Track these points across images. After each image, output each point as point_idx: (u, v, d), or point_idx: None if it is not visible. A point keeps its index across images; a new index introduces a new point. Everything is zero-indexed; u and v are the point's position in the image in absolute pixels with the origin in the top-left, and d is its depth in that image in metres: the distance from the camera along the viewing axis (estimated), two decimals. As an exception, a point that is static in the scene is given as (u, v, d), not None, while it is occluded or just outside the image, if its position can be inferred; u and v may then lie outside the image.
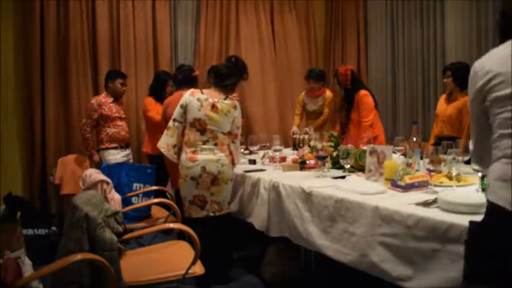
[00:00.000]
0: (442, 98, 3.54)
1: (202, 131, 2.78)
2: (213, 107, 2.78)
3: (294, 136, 3.93)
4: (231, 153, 2.86)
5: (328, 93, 4.35)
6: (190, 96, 2.81)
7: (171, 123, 2.86)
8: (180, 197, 2.90)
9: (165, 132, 2.87)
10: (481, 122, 1.40)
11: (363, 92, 3.76)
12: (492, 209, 1.27)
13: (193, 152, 2.78)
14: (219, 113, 2.78)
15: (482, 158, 1.44)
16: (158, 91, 3.97)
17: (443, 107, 3.46)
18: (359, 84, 3.86)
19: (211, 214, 2.81)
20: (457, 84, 3.34)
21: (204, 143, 2.78)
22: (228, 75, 2.89)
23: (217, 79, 2.89)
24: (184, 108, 2.81)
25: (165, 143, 2.86)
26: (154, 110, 3.85)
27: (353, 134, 3.63)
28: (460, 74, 3.31)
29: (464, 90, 3.33)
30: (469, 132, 3.19)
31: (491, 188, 1.28)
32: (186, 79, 3.44)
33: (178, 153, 2.87)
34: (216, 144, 2.79)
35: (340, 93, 4.00)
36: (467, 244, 1.38)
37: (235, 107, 2.85)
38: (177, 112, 2.84)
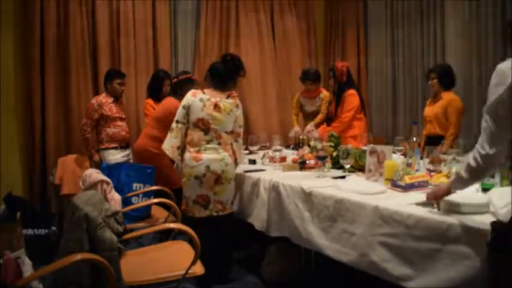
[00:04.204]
0: (428, 102, 3.75)
1: (206, 130, 2.78)
2: (216, 106, 2.78)
3: (300, 136, 3.92)
4: (234, 152, 2.87)
5: (325, 93, 4.35)
6: (192, 97, 2.82)
7: (174, 124, 2.86)
8: (180, 197, 2.90)
9: (169, 134, 2.87)
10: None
11: (351, 91, 3.88)
12: None
13: (197, 152, 2.78)
14: (222, 112, 2.79)
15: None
16: (156, 90, 3.93)
17: (429, 108, 3.66)
18: (351, 83, 3.97)
19: (215, 214, 2.81)
20: (442, 84, 3.52)
21: (208, 142, 2.79)
22: (225, 74, 2.89)
23: (215, 79, 2.89)
24: (187, 109, 2.81)
25: (170, 145, 2.85)
26: (151, 112, 3.85)
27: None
28: (445, 74, 3.53)
29: (448, 89, 3.53)
30: (455, 128, 3.37)
31: None
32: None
33: (182, 154, 2.87)
34: (219, 144, 2.80)
35: (332, 88, 4.08)
36: (489, 245, 1.35)
37: (237, 106, 2.86)
38: (179, 113, 2.84)
